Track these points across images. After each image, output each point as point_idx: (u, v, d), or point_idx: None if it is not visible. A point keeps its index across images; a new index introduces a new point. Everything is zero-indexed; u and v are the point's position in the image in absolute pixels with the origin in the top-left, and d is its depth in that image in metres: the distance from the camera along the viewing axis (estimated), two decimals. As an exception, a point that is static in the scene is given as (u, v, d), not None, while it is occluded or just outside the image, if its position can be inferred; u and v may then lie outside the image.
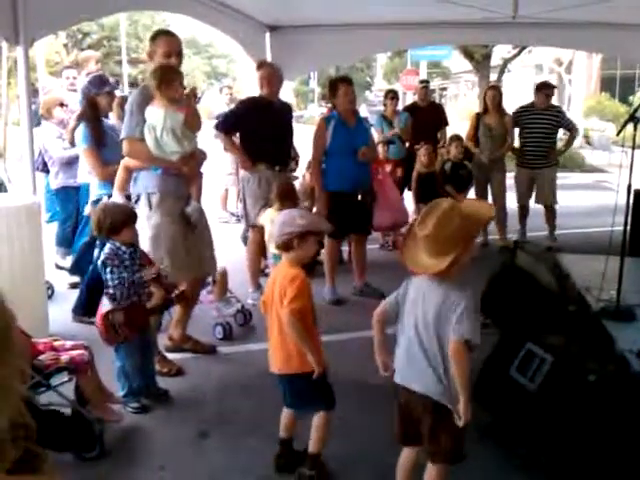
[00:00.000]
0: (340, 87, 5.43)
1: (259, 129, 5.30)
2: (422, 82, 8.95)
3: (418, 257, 2.45)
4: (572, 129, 7.66)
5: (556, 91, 8.05)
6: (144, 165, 4.11)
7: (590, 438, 2.85)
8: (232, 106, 9.18)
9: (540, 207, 7.63)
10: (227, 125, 5.69)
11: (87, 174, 5.33)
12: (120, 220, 3.53)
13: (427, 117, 7.99)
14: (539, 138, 7.35)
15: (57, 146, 5.98)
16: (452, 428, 2.43)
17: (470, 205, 2.60)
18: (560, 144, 7.94)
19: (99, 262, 3.55)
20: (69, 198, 6.04)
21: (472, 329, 2.35)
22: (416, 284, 2.54)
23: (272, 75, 5.46)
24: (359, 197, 5.51)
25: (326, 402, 2.90)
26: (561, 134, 7.98)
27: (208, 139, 9.13)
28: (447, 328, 2.38)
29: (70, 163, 5.93)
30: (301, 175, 6.87)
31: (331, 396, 2.91)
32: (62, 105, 6.09)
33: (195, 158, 4.21)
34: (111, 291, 3.52)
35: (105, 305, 3.56)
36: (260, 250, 5.48)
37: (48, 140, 6.00)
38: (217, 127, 5.83)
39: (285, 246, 2.79)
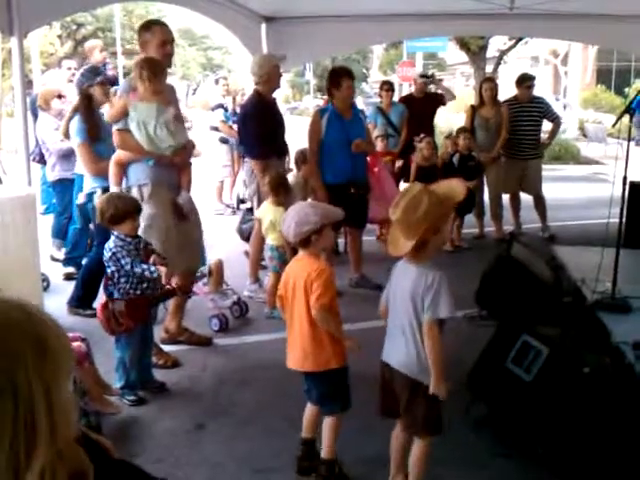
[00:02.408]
0: (344, 80, 5.38)
1: (267, 125, 5.27)
2: (422, 76, 8.85)
3: (396, 240, 2.58)
4: (555, 120, 7.71)
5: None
6: (135, 157, 4.09)
7: (585, 429, 2.86)
8: (229, 99, 9.20)
9: (532, 199, 7.66)
10: (257, 150, 5.33)
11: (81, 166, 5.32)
12: (122, 211, 3.53)
13: (423, 109, 7.96)
14: (527, 130, 7.39)
15: (54, 138, 5.95)
16: (426, 401, 2.53)
17: (444, 186, 2.68)
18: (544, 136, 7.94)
19: (108, 254, 3.54)
20: (66, 190, 6.03)
21: (447, 308, 2.47)
22: (396, 268, 2.68)
23: (279, 73, 5.47)
24: (352, 190, 5.48)
25: (343, 403, 2.83)
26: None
27: (204, 130, 9.15)
28: (421, 308, 2.49)
29: (67, 155, 5.91)
30: (295, 166, 6.85)
31: (348, 397, 2.85)
32: (60, 97, 6.06)
33: (185, 148, 4.20)
34: (122, 283, 3.52)
35: (104, 296, 3.56)
36: (263, 242, 5.46)
37: (45, 132, 5.98)
38: (250, 155, 5.48)
39: (303, 243, 2.77)
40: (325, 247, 2.88)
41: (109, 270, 3.55)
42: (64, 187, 6.06)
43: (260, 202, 5.39)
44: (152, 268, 3.55)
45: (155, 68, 3.94)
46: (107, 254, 3.54)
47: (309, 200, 6.03)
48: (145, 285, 3.60)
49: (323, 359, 2.77)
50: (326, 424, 2.85)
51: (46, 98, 6.03)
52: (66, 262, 5.98)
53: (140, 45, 4.19)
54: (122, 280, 3.54)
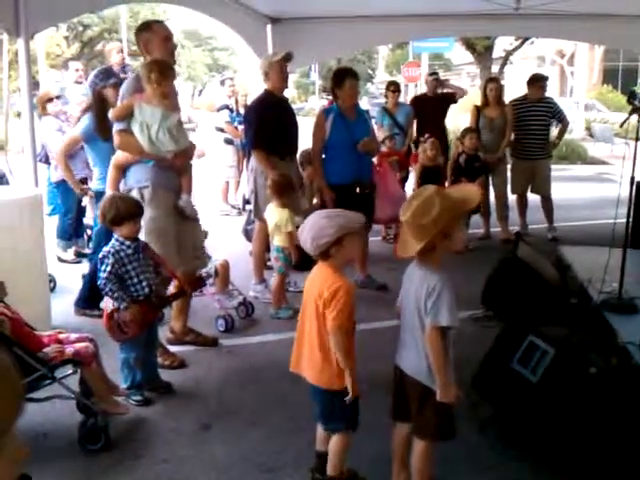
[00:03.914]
0: (347, 81, 5.38)
1: (272, 121, 5.26)
2: (432, 74, 8.84)
3: (405, 241, 2.54)
4: (563, 120, 7.70)
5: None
6: (135, 159, 4.08)
7: (591, 429, 2.85)
8: (233, 100, 9.20)
9: (538, 199, 7.64)
10: (257, 139, 5.33)
11: (92, 165, 5.33)
12: (124, 213, 3.51)
13: (436, 108, 7.95)
14: (536, 130, 7.36)
15: (56, 139, 5.97)
16: (437, 407, 2.51)
17: (459, 191, 2.63)
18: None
19: (100, 255, 3.55)
20: (69, 191, 6.04)
21: (449, 315, 2.41)
22: (408, 270, 2.64)
23: (283, 70, 5.43)
24: (357, 190, 5.48)
25: (348, 422, 2.68)
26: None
27: (210, 131, 9.16)
28: (424, 313, 2.45)
29: (70, 156, 5.93)
30: (300, 167, 6.84)
31: (356, 417, 2.69)
32: (51, 100, 6.05)
33: (186, 151, 4.20)
34: (102, 287, 3.50)
35: (109, 302, 3.55)
36: (266, 242, 5.45)
37: (47, 134, 6.00)
38: (250, 146, 5.47)
39: (323, 256, 2.60)
40: (350, 258, 2.71)
41: (99, 273, 3.53)
42: (67, 188, 6.08)
43: (257, 200, 5.40)
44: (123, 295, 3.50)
45: (164, 70, 3.94)
46: (100, 255, 3.54)
47: (314, 200, 6.06)
48: (145, 289, 3.58)
49: (326, 377, 2.63)
50: (332, 442, 2.74)
51: (40, 104, 6.07)
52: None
53: (143, 46, 4.16)
54: (109, 284, 3.47)
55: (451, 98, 8.25)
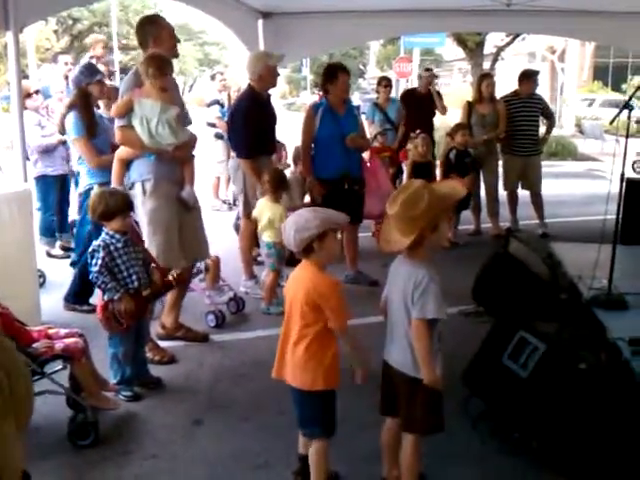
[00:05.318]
0: (340, 76, 5.38)
1: (259, 123, 5.24)
2: (427, 70, 8.79)
3: (390, 235, 2.54)
4: (551, 116, 7.78)
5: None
6: (137, 153, 4.10)
7: (582, 424, 2.87)
8: (224, 94, 9.16)
9: (528, 195, 7.66)
10: (246, 149, 5.30)
11: (76, 163, 5.28)
12: (113, 207, 3.51)
13: (425, 104, 7.94)
14: (527, 126, 7.39)
15: (34, 134, 5.91)
16: (425, 400, 2.52)
17: (444, 186, 2.69)
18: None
19: (90, 249, 3.54)
20: (49, 187, 5.99)
21: (435, 308, 2.43)
22: (393, 265, 2.66)
23: (274, 74, 5.40)
24: (346, 185, 5.48)
25: (324, 427, 2.66)
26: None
27: (200, 126, 9.12)
28: (411, 306, 2.47)
29: (48, 151, 5.87)
30: (292, 163, 6.83)
31: (333, 422, 2.67)
32: (29, 95, 5.99)
33: (187, 143, 4.21)
34: (94, 280, 3.50)
35: (101, 294, 3.54)
36: (253, 239, 5.46)
37: (25, 128, 5.93)
38: (240, 155, 5.38)
39: (305, 251, 2.58)
40: (331, 257, 2.67)
41: (89, 267, 3.52)
42: (46, 184, 6.02)
43: (246, 199, 5.39)
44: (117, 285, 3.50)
45: (162, 65, 3.95)
46: (90, 249, 3.53)
47: (307, 196, 6.04)
48: (136, 281, 3.58)
49: (310, 377, 2.59)
50: (311, 451, 2.68)
51: None
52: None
53: (153, 39, 4.14)
54: (101, 277, 3.48)
55: (435, 104, 8.19)
